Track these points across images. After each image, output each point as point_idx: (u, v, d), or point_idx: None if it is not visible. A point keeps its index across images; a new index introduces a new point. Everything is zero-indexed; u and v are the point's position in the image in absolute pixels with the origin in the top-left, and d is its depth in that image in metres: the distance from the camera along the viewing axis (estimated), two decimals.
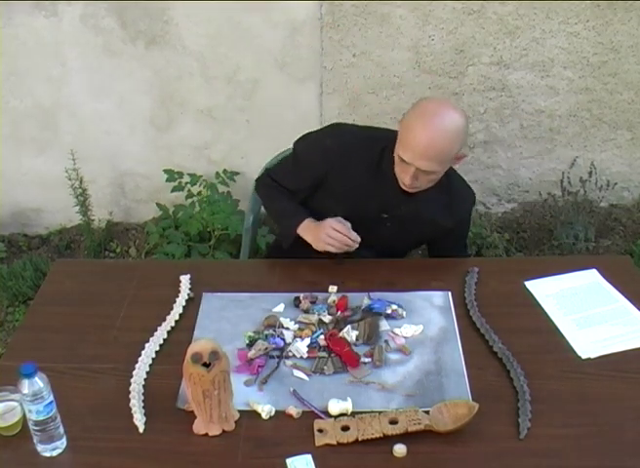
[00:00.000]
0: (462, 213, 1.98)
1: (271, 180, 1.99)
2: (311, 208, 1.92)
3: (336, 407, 1.44)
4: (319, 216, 1.86)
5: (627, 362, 1.57)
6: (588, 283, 1.82)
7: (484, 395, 1.48)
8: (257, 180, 2.07)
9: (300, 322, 1.69)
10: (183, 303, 1.77)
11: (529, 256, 3.04)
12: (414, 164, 1.68)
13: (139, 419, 1.43)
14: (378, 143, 1.83)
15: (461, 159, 1.78)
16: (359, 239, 1.79)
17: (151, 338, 1.65)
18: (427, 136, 1.64)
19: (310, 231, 1.84)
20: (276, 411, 1.45)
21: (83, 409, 1.48)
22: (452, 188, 1.89)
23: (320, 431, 1.40)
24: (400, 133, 1.72)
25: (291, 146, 1.98)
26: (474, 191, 2.00)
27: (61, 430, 1.38)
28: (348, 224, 1.81)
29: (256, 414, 1.45)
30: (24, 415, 1.38)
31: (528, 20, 2.87)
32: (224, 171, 3.08)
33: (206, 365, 1.35)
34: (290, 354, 1.60)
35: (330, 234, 1.78)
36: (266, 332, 1.65)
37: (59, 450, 1.38)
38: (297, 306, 1.75)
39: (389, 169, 1.78)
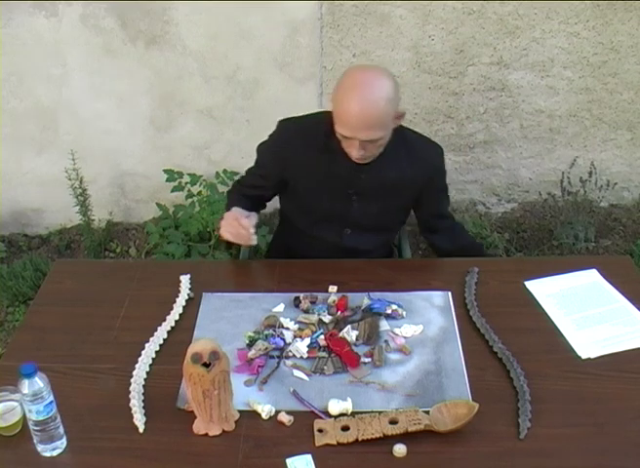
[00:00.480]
0: (429, 166, 1.92)
1: (239, 186, 2.07)
2: (286, 210, 2.04)
3: (336, 407, 1.44)
4: (294, 216, 1.99)
5: (627, 362, 1.57)
6: (588, 283, 1.82)
7: (484, 395, 1.48)
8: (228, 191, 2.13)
9: (300, 322, 1.69)
10: (183, 303, 1.77)
11: (529, 256, 3.04)
12: (355, 137, 1.68)
13: (139, 419, 1.44)
14: (320, 126, 1.81)
15: (401, 117, 1.77)
16: (251, 229, 1.78)
17: (151, 338, 1.65)
18: (359, 108, 1.64)
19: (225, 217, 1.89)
20: (276, 411, 1.45)
21: (83, 409, 1.48)
22: (410, 145, 1.87)
23: (320, 431, 1.40)
24: (333, 109, 1.72)
25: None
26: (440, 146, 1.96)
27: (61, 430, 1.39)
28: (245, 213, 1.84)
29: (256, 414, 1.45)
30: (24, 415, 1.38)
31: (528, 20, 2.87)
32: (224, 171, 3.08)
33: (206, 365, 1.35)
34: (290, 354, 1.60)
35: (224, 223, 1.84)
36: (266, 332, 1.65)
37: (59, 450, 1.38)
38: (297, 306, 1.75)
39: (338, 147, 1.78)
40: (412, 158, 1.86)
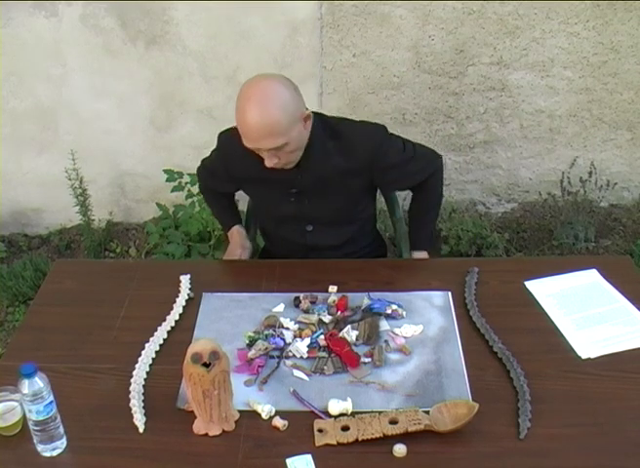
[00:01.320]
0: (366, 150, 1.84)
1: (208, 190, 2.18)
2: (251, 213, 2.22)
3: (336, 407, 1.44)
4: (259, 218, 2.16)
5: (627, 362, 1.57)
6: (588, 283, 1.82)
7: (484, 395, 1.48)
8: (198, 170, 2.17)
9: (300, 322, 1.69)
10: (183, 303, 1.77)
11: (529, 256, 3.04)
12: (259, 148, 1.70)
13: (139, 419, 1.44)
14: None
15: (308, 118, 1.75)
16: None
17: (151, 338, 1.65)
18: (253, 119, 1.64)
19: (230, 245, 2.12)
20: (276, 411, 1.45)
21: (83, 409, 1.48)
22: (340, 136, 1.83)
23: (320, 431, 1.40)
24: (236, 123, 1.73)
25: None
26: (380, 125, 1.90)
27: (61, 430, 1.39)
28: (246, 244, 2.09)
29: (256, 414, 1.45)
30: (24, 415, 1.38)
31: (528, 20, 2.87)
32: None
33: (206, 365, 1.35)
34: (290, 354, 1.60)
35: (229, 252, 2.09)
36: (266, 332, 1.65)
37: (59, 450, 1.38)
38: (297, 306, 1.75)
39: None
40: (344, 149, 1.83)
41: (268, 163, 1.73)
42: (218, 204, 2.19)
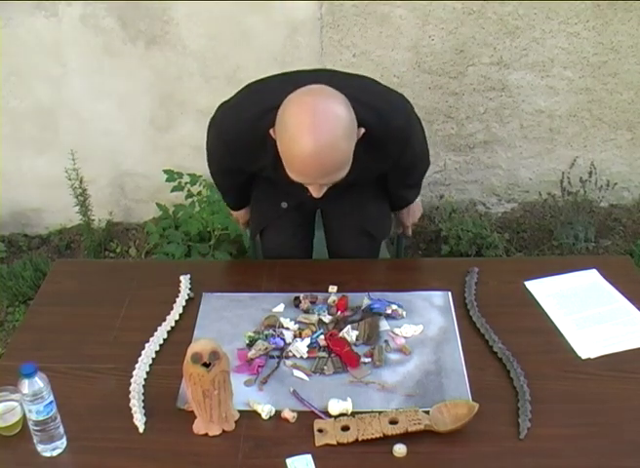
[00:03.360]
0: (398, 147, 1.67)
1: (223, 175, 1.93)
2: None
3: (336, 407, 1.44)
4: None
5: (627, 362, 1.57)
6: (588, 283, 1.82)
7: (484, 395, 1.48)
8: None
9: (300, 322, 1.69)
10: (183, 303, 1.77)
11: (529, 256, 3.04)
12: (313, 183, 1.48)
13: (139, 419, 1.44)
14: (259, 130, 1.55)
15: (360, 134, 1.51)
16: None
17: (151, 338, 1.65)
18: (315, 156, 1.37)
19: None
20: (276, 411, 1.45)
21: (83, 409, 1.48)
22: (377, 134, 1.57)
23: (320, 431, 1.40)
24: (280, 150, 1.45)
25: None
26: (401, 103, 1.69)
27: (61, 430, 1.39)
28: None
29: (256, 414, 1.45)
30: (24, 415, 1.38)
31: (528, 20, 2.87)
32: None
33: (206, 365, 1.35)
34: (290, 354, 1.60)
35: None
36: (266, 333, 1.65)
37: (59, 450, 1.38)
38: (297, 306, 1.75)
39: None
40: (373, 150, 1.61)
41: (317, 194, 1.50)
42: (232, 181, 1.93)
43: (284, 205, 1.91)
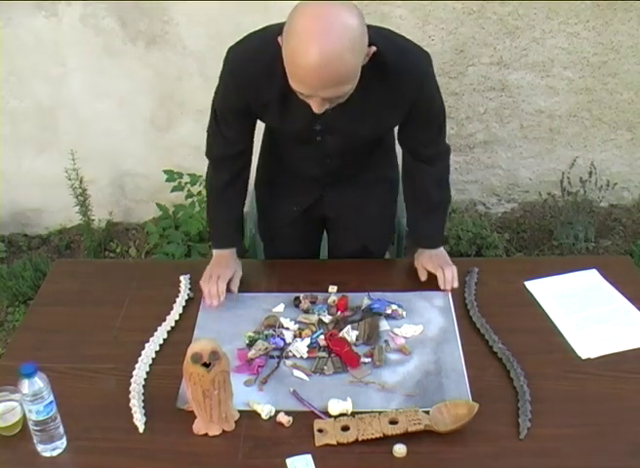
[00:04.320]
0: (415, 84, 1.57)
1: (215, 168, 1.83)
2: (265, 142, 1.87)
3: (336, 407, 1.44)
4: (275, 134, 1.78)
5: (627, 362, 1.57)
6: (588, 283, 1.82)
7: (484, 395, 1.48)
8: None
9: (300, 322, 1.69)
10: (183, 303, 1.77)
11: (529, 256, 3.04)
12: (315, 95, 1.38)
13: (139, 419, 1.44)
14: (266, 54, 1.49)
15: (371, 53, 1.43)
16: (222, 296, 1.74)
17: (151, 338, 1.65)
18: (319, 64, 1.30)
19: (209, 265, 1.82)
20: (276, 411, 1.45)
21: (83, 409, 1.48)
22: (383, 64, 1.49)
23: (320, 431, 1.40)
24: (285, 59, 1.38)
25: None
26: (425, 58, 1.60)
27: (61, 430, 1.39)
28: (233, 269, 1.80)
29: (256, 414, 1.45)
30: (24, 415, 1.38)
31: (528, 20, 2.87)
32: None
33: (206, 365, 1.35)
34: (290, 354, 1.60)
35: (206, 275, 1.78)
36: (266, 333, 1.65)
37: (59, 450, 1.38)
38: (297, 306, 1.75)
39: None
40: (387, 83, 1.53)
41: (318, 109, 1.41)
42: (225, 209, 1.84)
43: (296, 208, 1.91)
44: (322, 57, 1.30)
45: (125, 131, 3.12)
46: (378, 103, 1.55)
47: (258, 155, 1.93)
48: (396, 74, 1.52)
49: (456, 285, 1.79)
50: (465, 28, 2.89)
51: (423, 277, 1.83)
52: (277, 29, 1.46)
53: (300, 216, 1.93)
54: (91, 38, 2.91)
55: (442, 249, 1.89)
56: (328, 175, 1.82)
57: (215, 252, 1.85)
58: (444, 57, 2.94)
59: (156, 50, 2.94)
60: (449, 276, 1.79)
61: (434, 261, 1.83)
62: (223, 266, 1.80)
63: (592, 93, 3.04)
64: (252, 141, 1.78)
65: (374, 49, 1.42)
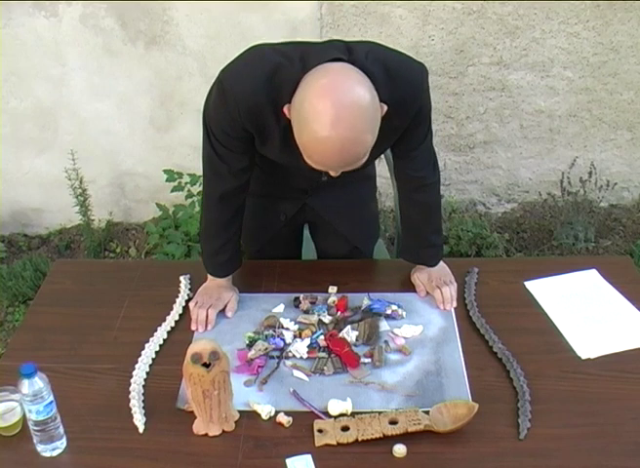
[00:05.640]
0: (410, 114, 1.53)
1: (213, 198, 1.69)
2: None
3: (335, 407, 1.44)
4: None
5: (627, 362, 1.57)
6: (588, 283, 1.82)
7: (484, 395, 1.48)
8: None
9: (299, 322, 1.69)
10: (183, 303, 1.76)
11: (529, 256, 3.04)
12: (333, 171, 1.38)
13: (139, 419, 1.44)
14: (271, 91, 1.42)
15: (384, 112, 1.37)
16: (210, 326, 1.68)
17: (151, 338, 1.65)
18: (338, 151, 1.28)
19: (203, 287, 1.77)
20: (276, 412, 1.45)
21: (83, 409, 1.48)
22: (389, 98, 1.40)
23: (320, 431, 1.40)
24: (299, 141, 1.33)
25: None
26: (420, 73, 1.54)
27: (61, 430, 1.38)
28: (227, 296, 1.73)
29: (256, 414, 1.45)
30: (24, 415, 1.38)
31: (528, 20, 2.87)
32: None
33: (206, 365, 1.35)
34: (290, 354, 1.60)
35: (195, 309, 1.72)
36: (266, 333, 1.65)
37: (59, 450, 1.38)
38: (297, 306, 1.75)
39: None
40: (387, 117, 1.42)
41: (335, 174, 1.40)
42: (227, 239, 1.73)
43: (282, 217, 1.89)
44: (340, 144, 1.26)
45: (125, 131, 3.12)
46: (378, 136, 1.42)
47: None
48: (395, 105, 1.43)
49: (454, 305, 1.74)
50: (465, 28, 2.89)
51: (422, 293, 1.78)
52: (274, 53, 1.43)
53: (284, 224, 1.91)
54: (91, 38, 2.91)
55: (441, 263, 1.83)
56: (317, 187, 1.79)
57: (210, 276, 1.77)
58: (444, 57, 2.94)
59: (156, 50, 2.94)
60: (447, 295, 1.74)
61: (432, 280, 1.78)
62: (215, 297, 1.72)
63: (592, 93, 3.04)
64: (252, 169, 1.68)
65: (385, 108, 1.36)
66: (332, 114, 1.26)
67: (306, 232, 2.06)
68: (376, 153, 1.55)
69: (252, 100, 1.46)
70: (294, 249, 2.05)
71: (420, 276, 1.81)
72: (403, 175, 1.74)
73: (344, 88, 1.29)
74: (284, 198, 1.86)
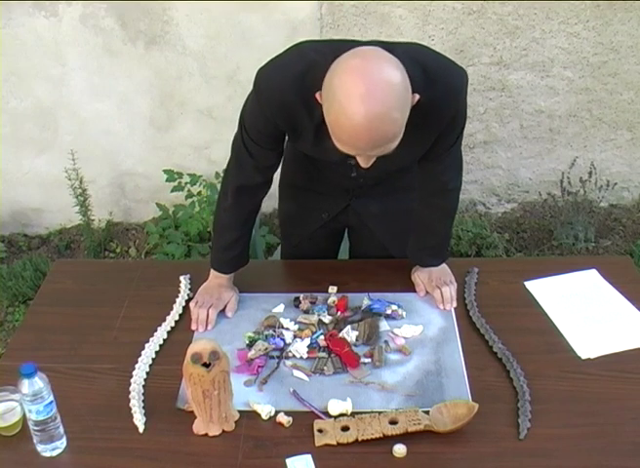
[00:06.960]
0: (448, 116, 1.52)
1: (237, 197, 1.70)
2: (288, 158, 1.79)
3: (335, 407, 1.44)
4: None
5: (627, 362, 1.57)
6: (588, 283, 1.82)
7: (484, 395, 1.48)
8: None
9: (299, 322, 1.69)
10: (183, 303, 1.76)
11: (529, 256, 3.04)
12: (363, 155, 1.36)
13: (139, 419, 1.44)
14: (303, 89, 1.43)
15: (415, 101, 1.36)
16: (210, 325, 1.69)
17: (151, 338, 1.65)
18: (367, 128, 1.26)
19: (204, 287, 1.78)
20: (276, 412, 1.45)
21: (83, 409, 1.48)
22: (429, 101, 1.40)
23: (320, 431, 1.40)
24: (328, 122, 1.33)
25: None
26: (461, 78, 1.55)
27: (61, 430, 1.39)
28: (227, 297, 1.74)
29: (256, 414, 1.45)
30: (24, 415, 1.38)
31: (528, 20, 2.87)
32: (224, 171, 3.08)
33: (206, 365, 1.35)
34: (290, 354, 1.60)
35: (195, 308, 1.72)
36: (266, 333, 1.65)
37: (58, 450, 1.38)
38: (297, 306, 1.75)
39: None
40: (424, 119, 1.44)
41: (365, 164, 1.39)
42: (241, 235, 1.75)
43: (325, 215, 1.89)
44: (368, 120, 1.25)
45: (125, 131, 3.12)
46: (412, 137, 1.42)
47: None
48: (431, 107, 1.43)
49: (454, 305, 1.75)
50: (465, 28, 2.89)
51: (422, 293, 1.78)
52: (311, 51, 1.44)
53: (326, 223, 1.91)
54: (91, 38, 2.91)
55: (443, 264, 1.83)
56: (358, 187, 1.80)
57: (214, 273, 1.77)
58: None
59: (156, 50, 2.94)
60: (447, 295, 1.74)
61: (432, 280, 1.78)
62: (215, 297, 1.73)
63: (592, 93, 3.04)
64: (278, 166, 1.71)
65: (417, 97, 1.35)
66: (361, 89, 1.24)
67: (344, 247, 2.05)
68: (412, 157, 1.59)
69: (282, 98, 1.48)
70: (331, 251, 2.05)
71: (421, 275, 1.81)
72: (427, 177, 1.72)
73: (375, 66, 1.28)
74: (327, 195, 1.85)
